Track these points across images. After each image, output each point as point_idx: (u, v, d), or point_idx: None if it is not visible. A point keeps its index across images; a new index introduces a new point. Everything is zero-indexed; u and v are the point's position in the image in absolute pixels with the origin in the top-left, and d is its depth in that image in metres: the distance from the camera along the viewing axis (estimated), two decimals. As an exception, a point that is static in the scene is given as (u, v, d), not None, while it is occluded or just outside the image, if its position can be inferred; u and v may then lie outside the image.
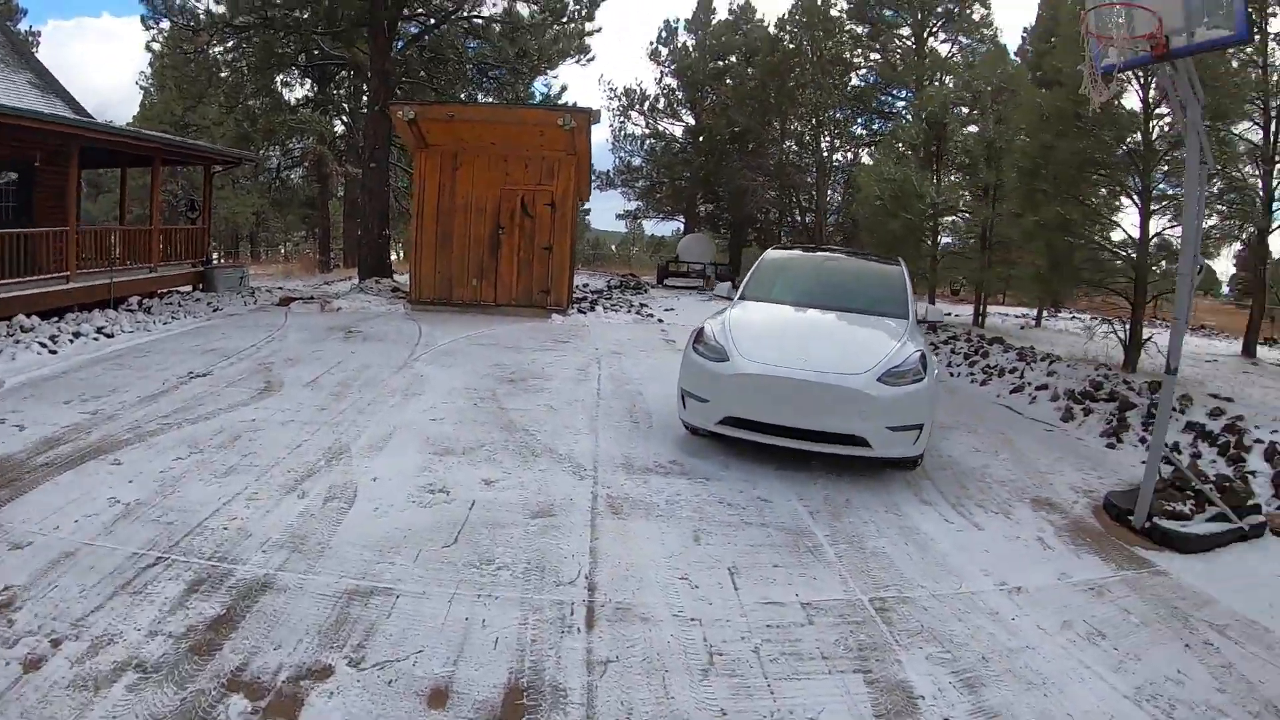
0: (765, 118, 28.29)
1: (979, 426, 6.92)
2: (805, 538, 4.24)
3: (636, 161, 32.11)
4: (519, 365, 8.00)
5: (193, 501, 4.17)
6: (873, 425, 4.89)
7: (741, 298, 6.43)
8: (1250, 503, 4.55)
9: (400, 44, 18.98)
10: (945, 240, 15.97)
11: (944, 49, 27.55)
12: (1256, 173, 12.24)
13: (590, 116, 12.44)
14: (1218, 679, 3.20)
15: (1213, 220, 9.39)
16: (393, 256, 20.90)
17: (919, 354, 5.28)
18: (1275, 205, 12.03)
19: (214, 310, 11.83)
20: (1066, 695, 3.01)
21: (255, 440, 5.21)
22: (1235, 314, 20.06)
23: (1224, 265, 27.96)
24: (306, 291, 15.18)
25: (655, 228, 40.87)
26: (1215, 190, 9.37)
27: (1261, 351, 14.88)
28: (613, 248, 49.73)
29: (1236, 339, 17.19)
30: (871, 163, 15.24)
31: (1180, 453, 5.51)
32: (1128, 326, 8.98)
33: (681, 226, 33.16)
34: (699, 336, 5.57)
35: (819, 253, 8.19)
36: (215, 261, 17.47)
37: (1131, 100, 8.81)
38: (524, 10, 19.51)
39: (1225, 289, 32.31)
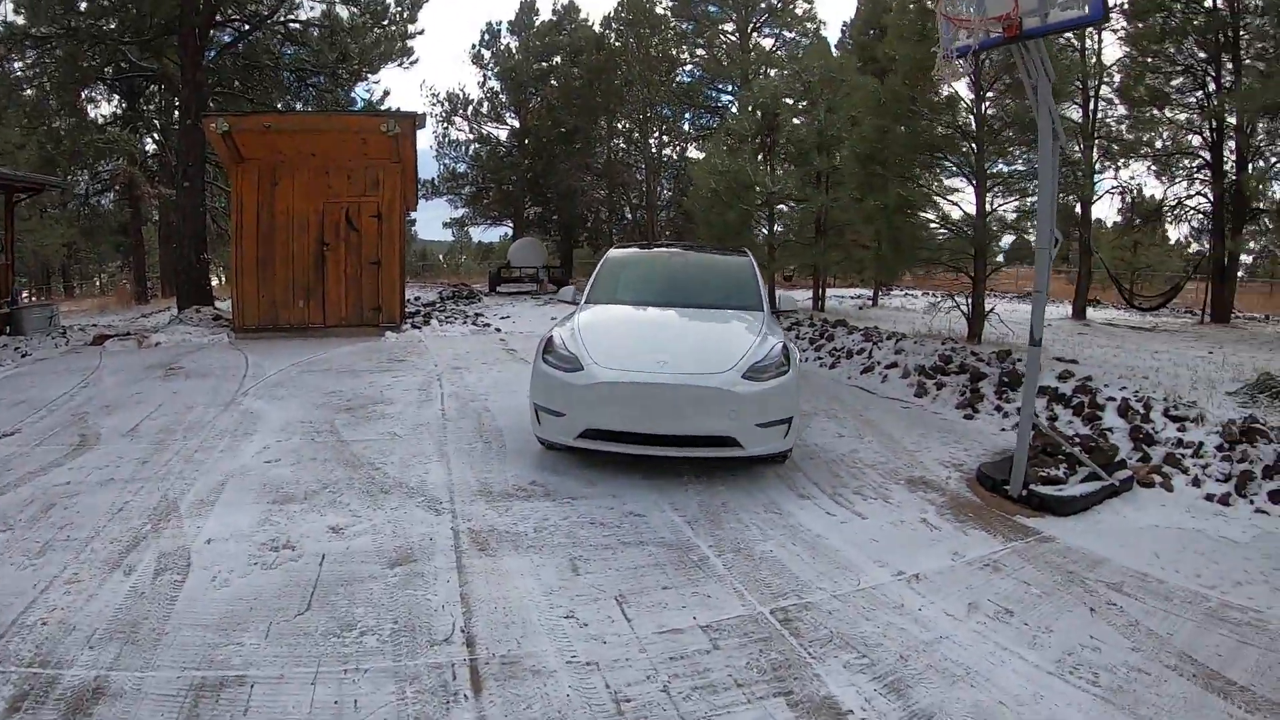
0: (593, 117, 28.06)
1: (837, 410, 6.90)
2: (689, 551, 3.87)
3: (462, 168, 30.82)
4: (356, 391, 7.18)
5: (5, 593, 3.33)
6: (741, 424, 4.63)
7: (588, 301, 5.99)
8: (1117, 459, 4.63)
9: (213, 53, 17.23)
10: (778, 228, 16.21)
11: (768, 43, 28.37)
12: (1079, 147, 13.19)
13: (415, 121, 11.81)
14: (1129, 638, 3.17)
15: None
16: (214, 282, 19.01)
17: (781, 346, 5.07)
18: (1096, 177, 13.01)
19: (22, 356, 10.15)
20: (993, 681, 2.85)
21: (72, 507, 4.28)
22: (1052, 277, 21.49)
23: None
24: (122, 327, 13.42)
25: (483, 234, 39.65)
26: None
27: (1090, 313, 16.09)
28: (440, 258, 47.84)
29: (1060, 302, 18.55)
30: (703, 156, 15.17)
31: (1038, 416, 5.59)
32: (970, 300, 9.28)
33: (510, 231, 32.32)
34: (548, 346, 5.10)
35: (663, 249, 7.89)
36: (23, 301, 15.18)
37: (961, 85, 9.13)
38: (344, 12, 18.33)
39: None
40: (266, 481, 4.73)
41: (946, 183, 9.75)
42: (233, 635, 3.04)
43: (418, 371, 8.28)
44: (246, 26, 17.59)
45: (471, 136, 30.60)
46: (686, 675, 2.82)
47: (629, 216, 28.69)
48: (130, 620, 3.14)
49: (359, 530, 4.06)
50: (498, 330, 12.92)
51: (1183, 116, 14.77)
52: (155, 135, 23.53)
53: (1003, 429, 5.96)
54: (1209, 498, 4.46)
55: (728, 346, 5.00)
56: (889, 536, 4.12)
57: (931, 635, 3.16)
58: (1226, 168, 14.41)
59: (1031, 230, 8.69)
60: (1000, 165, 9.34)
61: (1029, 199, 8.93)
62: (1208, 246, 15.83)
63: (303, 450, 5.39)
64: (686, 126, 28.93)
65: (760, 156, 15.11)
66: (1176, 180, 15.07)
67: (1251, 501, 4.34)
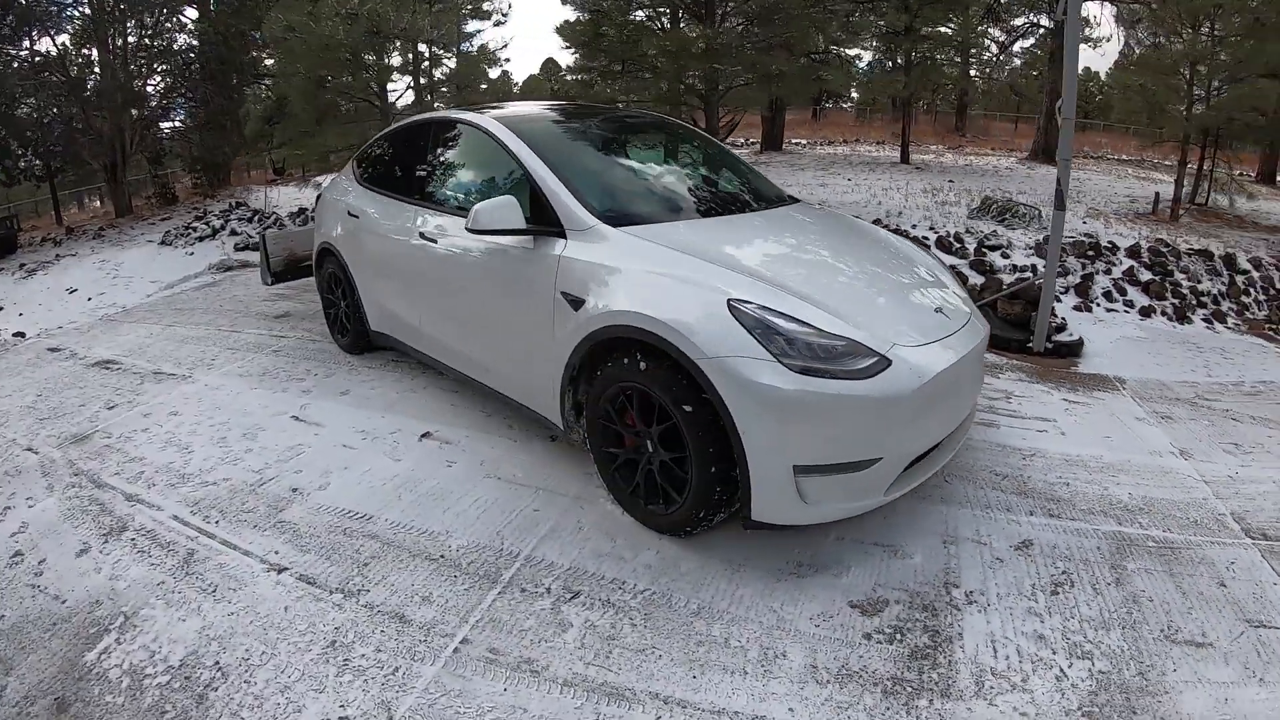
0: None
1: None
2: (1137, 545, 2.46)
3: None
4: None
5: None
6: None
7: (613, 220, 2.59)
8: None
9: None
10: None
11: None
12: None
13: None
14: None
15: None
16: None
17: None
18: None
19: None
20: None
21: None
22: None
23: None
24: None
25: None
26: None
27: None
28: None
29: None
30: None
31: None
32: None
33: None
34: (765, 328, 2.09)
35: (565, 111, 3.77)
36: None
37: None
38: None
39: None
40: None
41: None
42: None
43: (32, 482, 2.84)
44: None
45: None
46: None
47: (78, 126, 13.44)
48: None
49: None
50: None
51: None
52: None
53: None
54: (1092, 304, 4.84)
55: (920, 269, 2.89)
56: (1094, 427, 3.40)
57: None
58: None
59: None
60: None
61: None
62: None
63: None
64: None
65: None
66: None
67: (1113, 299, 4.86)
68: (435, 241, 3.25)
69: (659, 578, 2.25)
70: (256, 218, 8.47)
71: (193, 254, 7.41)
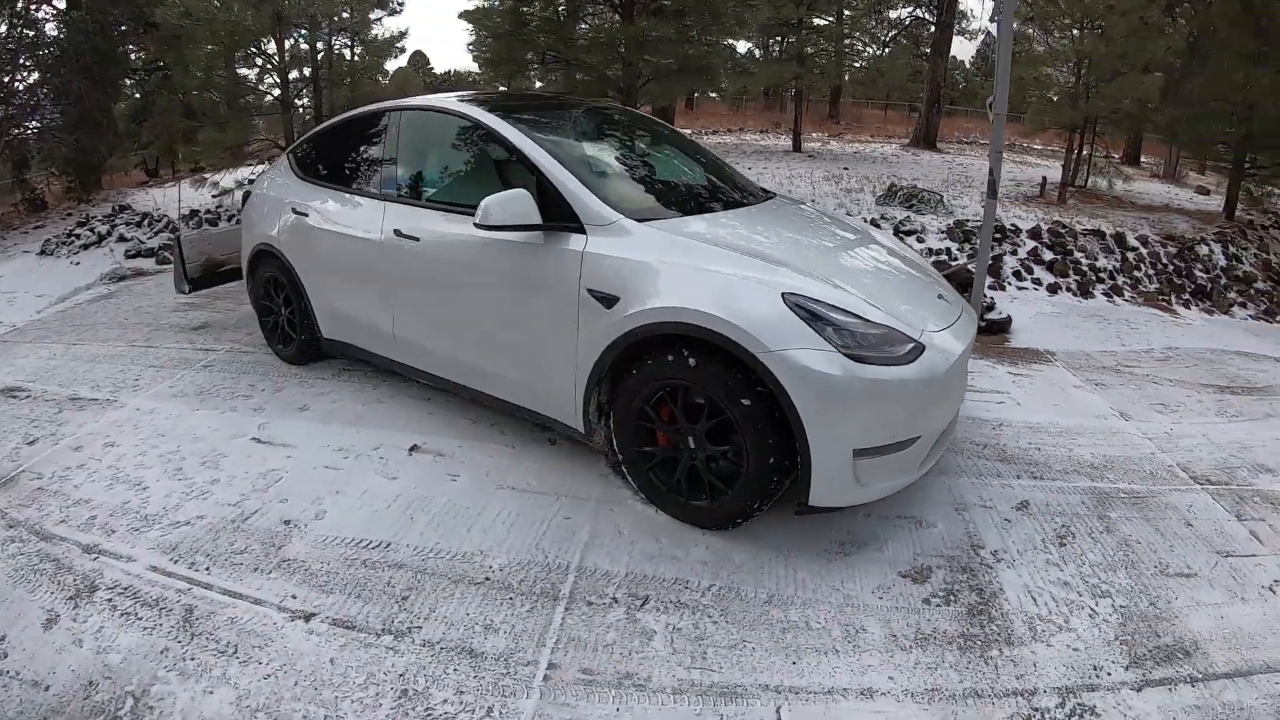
0: None
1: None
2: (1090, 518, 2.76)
3: None
4: None
5: None
6: None
7: (631, 215, 2.51)
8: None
9: None
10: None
11: None
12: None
13: None
14: (1204, 391, 3.94)
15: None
16: None
17: None
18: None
19: None
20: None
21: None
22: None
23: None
24: None
25: None
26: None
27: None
28: None
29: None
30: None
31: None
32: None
33: None
34: (816, 319, 2.11)
35: (553, 104, 3.64)
36: None
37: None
38: None
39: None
40: None
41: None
42: None
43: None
44: None
45: None
46: None
47: None
48: None
49: None
50: None
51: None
52: None
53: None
54: (1005, 283, 5.22)
55: (909, 258, 3.02)
56: (1042, 396, 3.73)
57: (1229, 437, 3.31)
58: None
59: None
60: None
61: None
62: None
63: None
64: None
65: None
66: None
67: (1022, 278, 5.25)
68: (416, 239, 3.02)
69: (719, 572, 2.24)
70: (146, 221, 7.53)
71: (79, 264, 6.46)
